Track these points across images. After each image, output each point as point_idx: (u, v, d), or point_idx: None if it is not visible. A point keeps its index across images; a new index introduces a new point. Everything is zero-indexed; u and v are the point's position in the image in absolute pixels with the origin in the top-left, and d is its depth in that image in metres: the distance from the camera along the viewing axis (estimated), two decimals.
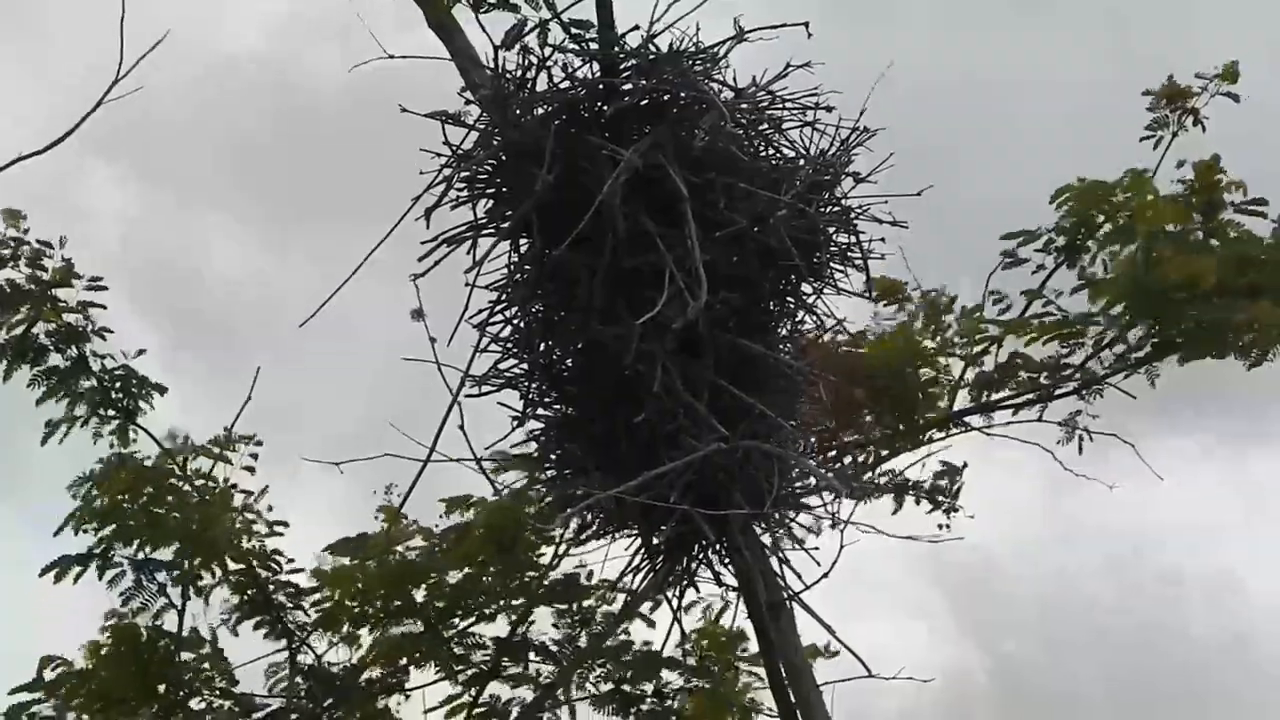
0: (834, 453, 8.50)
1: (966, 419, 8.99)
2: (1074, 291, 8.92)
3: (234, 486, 8.20)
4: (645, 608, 7.72)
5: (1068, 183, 8.95)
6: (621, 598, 7.70)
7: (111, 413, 8.30)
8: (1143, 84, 9.09)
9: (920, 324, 9.00)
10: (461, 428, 5.46)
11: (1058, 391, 8.97)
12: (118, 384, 8.28)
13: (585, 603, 7.89)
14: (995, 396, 9.02)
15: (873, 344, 8.85)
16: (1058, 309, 8.89)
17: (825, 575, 5.07)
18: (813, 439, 6.74)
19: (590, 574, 7.85)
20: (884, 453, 8.95)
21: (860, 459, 8.86)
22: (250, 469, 8.28)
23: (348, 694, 8.03)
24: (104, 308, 8.22)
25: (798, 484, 5.32)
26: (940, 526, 8.81)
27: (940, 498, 8.91)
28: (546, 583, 7.88)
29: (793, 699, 5.03)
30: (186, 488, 8.04)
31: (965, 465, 8.95)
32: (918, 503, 8.99)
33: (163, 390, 8.33)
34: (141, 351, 8.30)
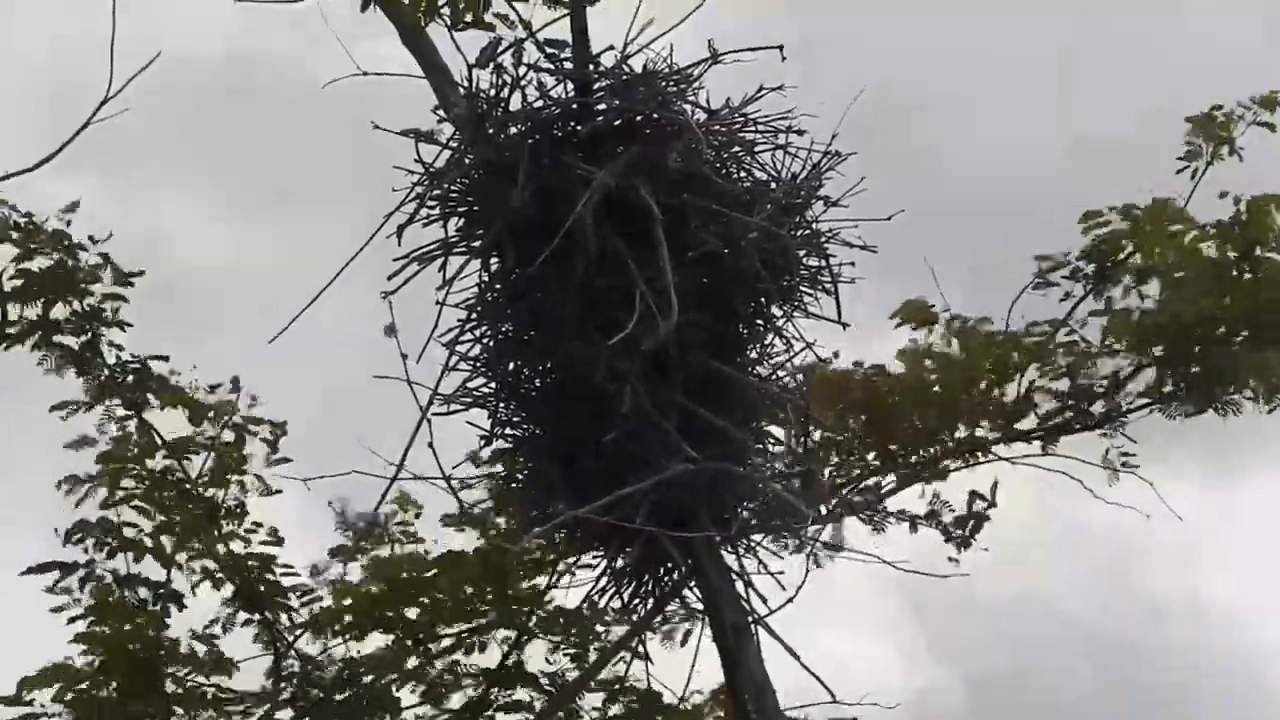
0: (819, 476, 8.44)
1: (992, 448, 8.87)
2: (1092, 314, 8.79)
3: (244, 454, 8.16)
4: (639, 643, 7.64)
5: (1095, 208, 8.78)
6: (618, 630, 7.64)
7: (119, 404, 8.20)
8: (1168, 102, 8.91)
9: (953, 350, 8.85)
10: (431, 445, 5.43)
11: (1077, 425, 8.88)
12: (129, 376, 8.17)
13: (578, 635, 7.83)
14: (1017, 426, 8.90)
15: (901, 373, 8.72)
16: (1082, 339, 8.79)
17: (790, 600, 5.08)
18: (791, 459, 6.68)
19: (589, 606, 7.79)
20: (893, 483, 8.84)
21: (868, 487, 8.77)
22: (272, 445, 8.21)
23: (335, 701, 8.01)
24: (126, 301, 8.13)
25: (765, 506, 5.32)
26: (950, 560, 8.69)
27: (956, 530, 8.80)
28: (541, 613, 7.82)
29: None
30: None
31: (995, 495, 8.77)
32: (912, 529, 8.86)
33: (181, 393, 8.20)
34: (164, 358, 8.20)
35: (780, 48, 5.18)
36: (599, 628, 7.64)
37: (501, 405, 5.38)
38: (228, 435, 8.15)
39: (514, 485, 5.61)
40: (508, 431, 5.44)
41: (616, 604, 5.53)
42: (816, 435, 7.75)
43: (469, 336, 5.32)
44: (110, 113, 6.63)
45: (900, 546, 8.65)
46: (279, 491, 8.15)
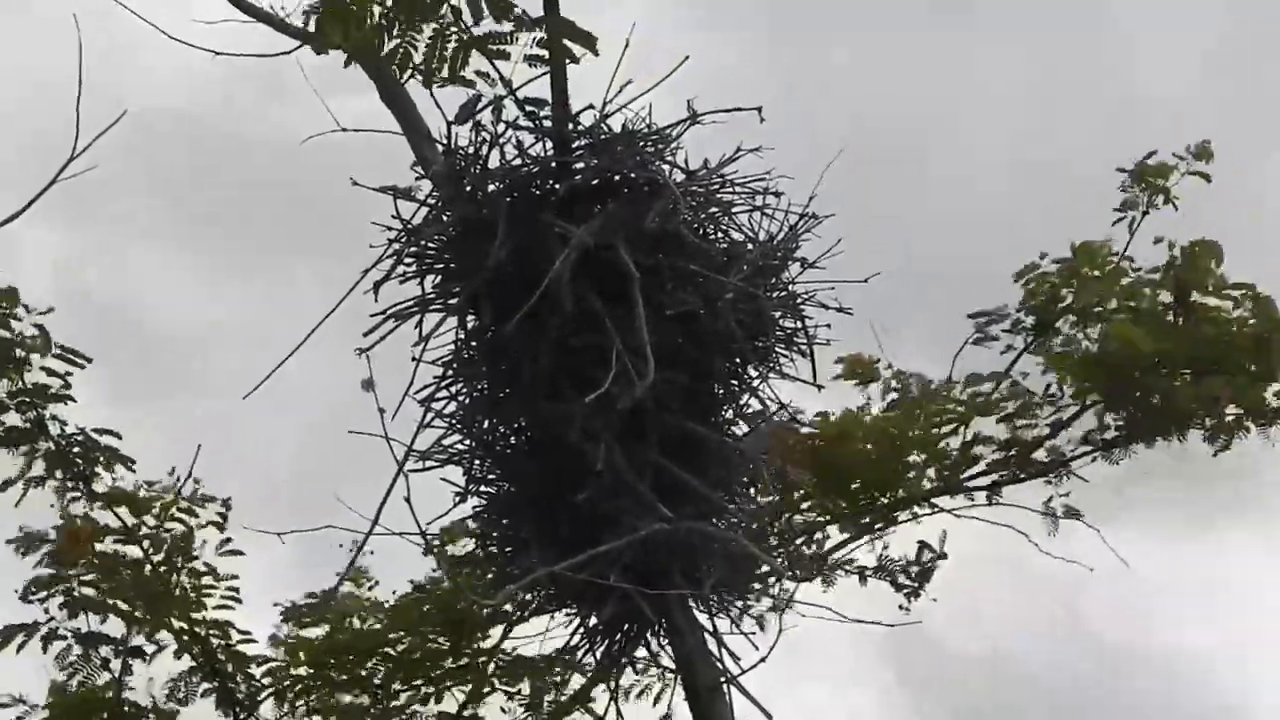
0: (791, 535, 8.44)
1: (934, 500, 8.89)
2: (1032, 354, 8.82)
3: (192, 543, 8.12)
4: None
5: (1031, 260, 8.84)
6: (573, 680, 7.59)
7: (68, 478, 8.16)
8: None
9: (889, 405, 8.88)
10: (408, 500, 5.39)
11: (1021, 474, 8.89)
12: (75, 449, 8.14)
13: (535, 684, 7.76)
14: (960, 477, 8.91)
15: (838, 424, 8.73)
16: (1025, 390, 8.82)
17: (763, 659, 5.07)
18: (763, 520, 6.68)
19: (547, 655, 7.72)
20: (846, 535, 8.86)
21: (817, 541, 8.78)
22: (220, 525, 8.18)
23: None
24: (67, 380, 8.08)
25: (739, 566, 5.33)
26: (901, 608, 8.71)
27: (905, 580, 8.81)
28: (497, 662, 7.76)
29: None
30: (143, 548, 7.98)
31: (944, 546, 8.80)
32: (863, 582, 8.87)
33: (129, 463, 8.17)
34: (117, 435, 8.15)
35: (759, 109, 5.21)
36: (557, 677, 7.60)
37: (476, 462, 5.38)
38: (174, 525, 8.12)
39: (488, 543, 5.58)
40: (482, 489, 5.43)
41: (590, 661, 5.52)
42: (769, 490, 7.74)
43: (444, 393, 5.32)
44: (76, 170, 6.57)
45: (855, 598, 8.65)
46: (234, 576, 8.13)
